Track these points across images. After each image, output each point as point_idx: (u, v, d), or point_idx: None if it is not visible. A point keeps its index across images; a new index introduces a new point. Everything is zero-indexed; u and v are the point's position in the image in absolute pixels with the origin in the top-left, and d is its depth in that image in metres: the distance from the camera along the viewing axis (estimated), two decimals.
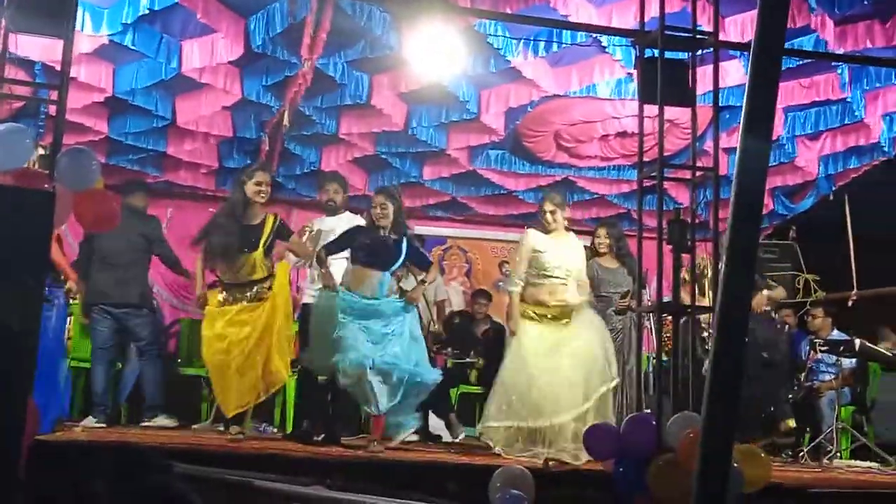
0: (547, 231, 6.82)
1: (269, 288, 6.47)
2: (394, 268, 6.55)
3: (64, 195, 4.29)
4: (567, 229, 6.94)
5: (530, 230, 6.93)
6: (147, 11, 6.67)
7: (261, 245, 6.50)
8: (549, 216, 6.81)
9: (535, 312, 6.67)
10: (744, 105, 1.77)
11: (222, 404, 6.47)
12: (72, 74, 5.40)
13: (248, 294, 6.48)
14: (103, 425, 7.14)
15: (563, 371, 6.42)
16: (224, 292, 6.53)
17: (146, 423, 7.34)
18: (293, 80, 7.63)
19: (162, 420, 7.40)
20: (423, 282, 6.76)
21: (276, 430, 8.11)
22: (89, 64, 7.49)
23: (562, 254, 6.74)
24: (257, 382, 6.33)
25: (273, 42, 7.14)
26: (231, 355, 6.31)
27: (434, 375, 6.42)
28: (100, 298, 7.46)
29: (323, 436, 6.71)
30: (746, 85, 1.74)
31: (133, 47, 7.15)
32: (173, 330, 9.36)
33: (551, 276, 6.68)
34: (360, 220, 7.06)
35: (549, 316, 6.67)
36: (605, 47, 7.20)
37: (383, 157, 9.48)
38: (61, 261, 6.80)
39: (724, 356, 1.63)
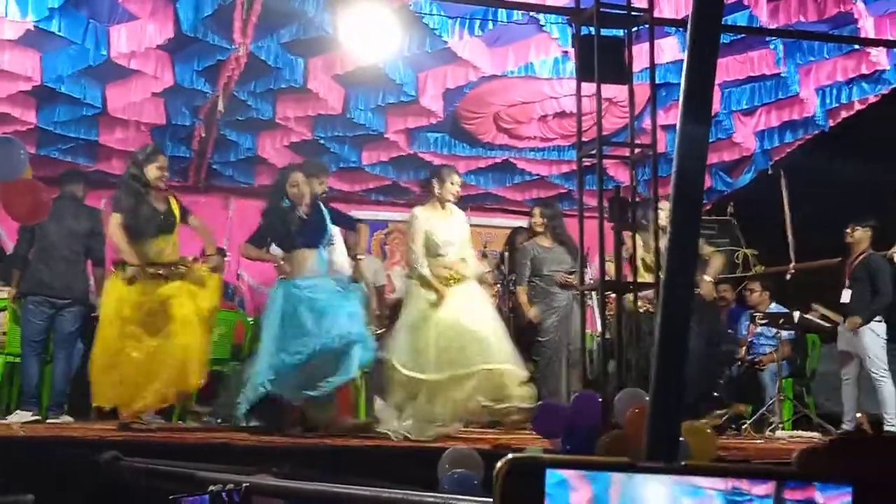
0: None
1: (181, 273, 6.30)
2: (324, 240, 6.46)
3: None
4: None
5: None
6: None
7: (173, 230, 6.38)
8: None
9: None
10: (681, 90, 1.72)
11: (99, 395, 6.26)
12: None
13: (163, 274, 6.27)
14: (38, 418, 6.92)
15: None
16: (131, 272, 6.24)
17: (52, 421, 7.02)
18: (226, 64, 7.50)
19: (66, 418, 7.13)
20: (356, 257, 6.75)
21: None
22: (14, 51, 7.28)
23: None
24: (166, 383, 6.17)
25: (204, 25, 7.01)
26: (141, 344, 6.14)
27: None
28: (39, 289, 7.20)
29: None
30: (683, 70, 1.69)
31: (60, 33, 6.96)
32: None
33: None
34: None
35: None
36: (541, 25, 7.18)
37: (321, 141, 9.36)
38: None
39: (669, 336, 1.58)
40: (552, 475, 0.90)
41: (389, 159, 9.86)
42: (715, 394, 8.26)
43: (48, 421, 6.85)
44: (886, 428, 7.86)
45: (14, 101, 8.07)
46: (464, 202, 10.86)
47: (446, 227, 6.49)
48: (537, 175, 10.38)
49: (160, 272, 6.27)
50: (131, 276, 6.20)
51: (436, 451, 4.63)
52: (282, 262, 6.38)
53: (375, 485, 4.13)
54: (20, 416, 6.81)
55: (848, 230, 8.24)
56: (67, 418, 7.07)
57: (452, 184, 6.51)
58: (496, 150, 9.74)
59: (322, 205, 6.57)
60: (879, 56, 7.84)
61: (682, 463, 0.94)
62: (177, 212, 6.47)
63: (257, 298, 10.09)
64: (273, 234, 6.52)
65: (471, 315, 6.20)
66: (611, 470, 0.90)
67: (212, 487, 3.18)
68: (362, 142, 9.56)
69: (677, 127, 1.76)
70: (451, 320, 6.16)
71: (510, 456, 0.95)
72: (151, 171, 6.37)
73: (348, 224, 6.87)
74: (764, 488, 0.89)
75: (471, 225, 10.68)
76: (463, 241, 6.58)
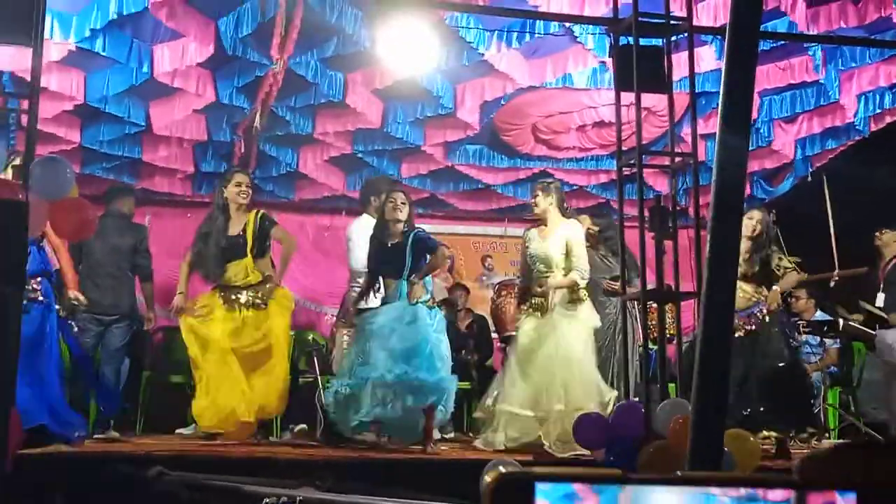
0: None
1: (264, 295, 6.56)
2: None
3: (38, 205, 4.23)
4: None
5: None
6: (116, 16, 6.59)
7: (248, 251, 6.51)
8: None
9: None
10: (720, 99, 1.73)
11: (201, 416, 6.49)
12: (42, 83, 5.33)
13: (242, 299, 6.52)
14: (84, 434, 6.99)
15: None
16: (220, 295, 6.60)
17: (99, 436, 7.11)
18: (265, 80, 7.57)
19: (112, 433, 7.21)
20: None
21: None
22: (59, 72, 7.40)
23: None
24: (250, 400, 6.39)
25: (244, 43, 7.09)
26: (229, 362, 6.36)
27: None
28: (88, 307, 7.30)
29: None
30: (721, 80, 1.70)
31: (103, 53, 7.08)
32: (157, 338, 9.26)
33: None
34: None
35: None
36: (577, 37, 7.18)
37: (360, 155, 9.42)
38: (66, 268, 6.65)
39: (711, 345, 1.60)
40: (558, 488, 0.89)
41: (428, 172, 9.90)
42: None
43: (94, 436, 6.93)
44: None
45: (59, 120, 8.20)
46: (504, 213, 10.95)
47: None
48: (576, 185, 10.36)
49: (236, 296, 6.58)
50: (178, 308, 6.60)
51: (479, 463, 4.63)
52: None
53: (420, 498, 4.15)
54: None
55: (877, 233, 8.18)
56: (114, 434, 7.15)
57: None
58: (534, 161, 9.73)
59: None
60: None
61: (677, 473, 0.93)
62: (250, 232, 6.64)
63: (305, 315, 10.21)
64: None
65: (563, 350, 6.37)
66: (601, 482, 0.89)
67: (266, 501, 3.21)
68: (401, 155, 9.61)
69: (717, 137, 1.77)
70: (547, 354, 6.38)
71: (500, 470, 0.94)
72: (230, 190, 6.63)
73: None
74: (781, 494, 0.88)
75: (509, 236, 10.84)
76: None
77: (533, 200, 6.73)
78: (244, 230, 6.65)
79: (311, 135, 8.85)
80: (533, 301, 6.54)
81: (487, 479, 0.90)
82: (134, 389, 8.54)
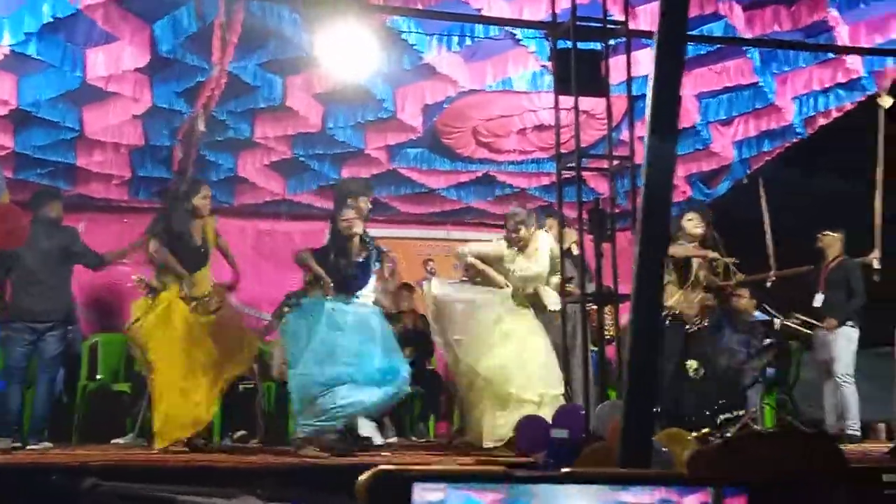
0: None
1: (217, 302, 6.60)
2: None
3: None
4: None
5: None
6: (50, 20, 6.47)
7: (207, 260, 6.57)
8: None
9: None
10: (648, 104, 1.74)
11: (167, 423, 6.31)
12: None
13: (205, 306, 6.54)
14: (18, 445, 6.85)
15: None
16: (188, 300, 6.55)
17: (32, 447, 6.96)
18: (205, 84, 7.48)
19: (46, 444, 7.07)
20: None
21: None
22: None
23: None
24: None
25: (182, 47, 7.01)
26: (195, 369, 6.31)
27: None
28: (20, 315, 7.14)
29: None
30: (649, 85, 1.71)
31: (36, 57, 6.93)
32: (91, 345, 9.08)
33: None
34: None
35: None
36: (518, 40, 7.21)
37: (301, 159, 9.36)
38: None
39: (640, 345, 1.60)
40: (459, 497, 0.85)
41: (371, 176, 9.84)
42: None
43: (28, 447, 6.79)
44: (847, 432, 7.91)
45: None
46: (447, 217, 10.95)
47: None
48: (517, 188, 10.40)
49: (200, 303, 6.54)
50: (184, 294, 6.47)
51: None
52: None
53: None
54: (1, 444, 6.74)
55: (819, 235, 8.37)
56: (47, 444, 7.01)
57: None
58: (476, 164, 9.75)
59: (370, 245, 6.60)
60: (855, 63, 7.90)
61: (564, 470, 0.90)
62: (210, 239, 6.67)
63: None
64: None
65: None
66: (484, 482, 0.86)
67: None
68: (343, 159, 9.55)
69: (645, 142, 1.78)
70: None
71: (378, 468, 0.90)
72: (198, 202, 6.59)
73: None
74: (696, 498, 0.87)
75: (452, 239, 10.84)
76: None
77: (514, 234, 6.81)
78: (205, 238, 6.67)
79: (251, 139, 8.77)
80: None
81: (362, 477, 0.86)
82: (70, 398, 8.39)
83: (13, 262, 7.11)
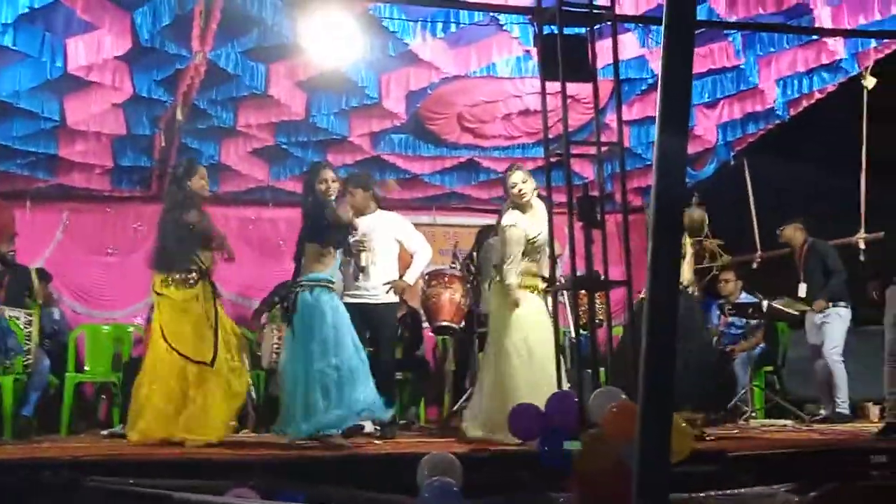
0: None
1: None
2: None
3: None
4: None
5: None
6: (27, 10, 6.40)
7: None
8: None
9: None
10: (658, 100, 1.72)
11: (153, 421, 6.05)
12: None
13: (189, 284, 6.21)
14: None
15: None
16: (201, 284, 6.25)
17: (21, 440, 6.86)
18: (185, 72, 7.43)
19: (34, 437, 6.97)
20: None
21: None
22: None
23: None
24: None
25: (161, 35, 6.95)
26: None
27: None
28: None
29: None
30: (660, 80, 1.69)
31: (14, 48, 6.86)
32: (77, 336, 9.04)
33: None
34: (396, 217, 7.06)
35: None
36: (502, 25, 7.17)
37: (284, 147, 9.31)
38: None
39: (657, 339, 1.59)
40: None
41: (354, 162, 9.81)
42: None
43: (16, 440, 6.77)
44: (837, 411, 7.98)
45: None
46: (432, 202, 10.93)
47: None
48: (503, 173, 10.35)
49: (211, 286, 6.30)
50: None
51: (414, 457, 4.61)
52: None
53: (357, 495, 4.11)
54: None
55: (777, 232, 8.48)
56: (36, 437, 6.99)
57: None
58: (461, 149, 9.73)
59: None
60: (837, 45, 7.91)
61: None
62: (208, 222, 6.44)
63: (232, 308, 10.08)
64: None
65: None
66: None
67: None
68: (326, 146, 9.51)
69: (656, 134, 1.76)
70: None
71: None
72: (196, 184, 6.33)
73: None
74: None
75: (438, 225, 10.83)
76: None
77: (518, 189, 6.40)
78: (208, 219, 6.42)
79: (234, 127, 8.71)
80: (530, 282, 6.35)
81: None
82: (58, 391, 8.36)
83: None
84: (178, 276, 6.15)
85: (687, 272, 7.45)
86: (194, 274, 6.17)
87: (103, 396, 9.21)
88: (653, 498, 1.36)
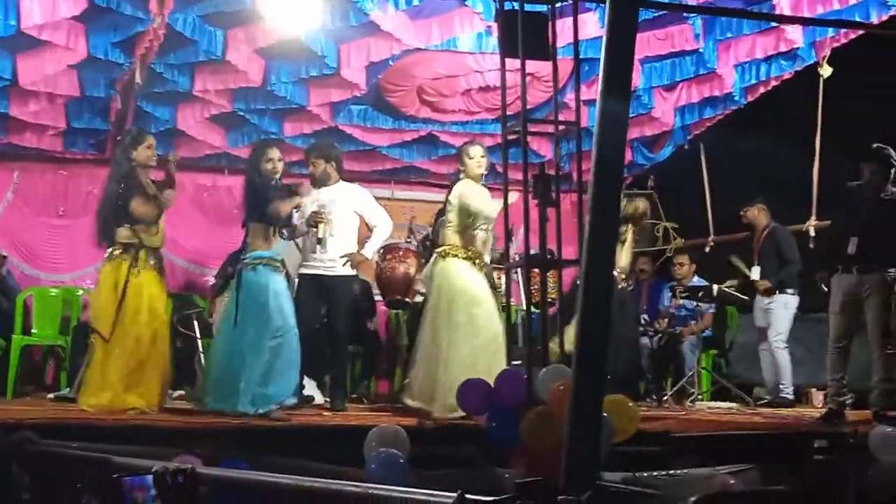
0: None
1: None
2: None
3: None
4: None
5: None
6: None
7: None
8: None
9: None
10: (601, 70, 1.73)
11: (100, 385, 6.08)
12: None
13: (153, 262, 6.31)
14: None
15: None
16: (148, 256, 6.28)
17: None
18: (143, 35, 7.32)
19: None
20: None
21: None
22: None
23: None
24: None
25: None
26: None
27: None
28: None
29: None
30: (602, 50, 1.70)
31: None
32: (25, 298, 8.90)
33: None
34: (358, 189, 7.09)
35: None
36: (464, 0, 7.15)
37: (241, 113, 9.22)
38: None
39: (591, 311, 1.61)
40: None
41: (312, 132, 9.73)
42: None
43: None
44: (781, 395, 8.13)
45: None
46: (389, 175, 10.88)
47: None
48: (459, 148, 10.34)
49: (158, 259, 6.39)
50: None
51: (362, 430, 4.63)
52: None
53: (303, 465, 4.11)
54: None
55: (742, 213, 8.55)
56: None
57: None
58: (420, 123, 9.68)
59: None
60: (795, 33, 7.98)
61: None
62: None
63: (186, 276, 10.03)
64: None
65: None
66: None
67: (155, 468, 3.13)
68: (284, 114, 9.42)
69: (597, 105, 1.77)
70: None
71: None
72: (141, 154, 6.27)
73: None
74: None
75: (396, 199, 10.78)
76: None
77: (477, 161, 6.60)
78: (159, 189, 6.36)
79: (190, 92, 8.59)
80: (471, 254, 6.44)
81: None
82: (5, 353, 8.26)
83: None
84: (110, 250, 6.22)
85: (623, 258, 7.53)
86: (119, 248, 6.20)
87: (51, 360, 9.09)
88: (582, 465, 1.37)
